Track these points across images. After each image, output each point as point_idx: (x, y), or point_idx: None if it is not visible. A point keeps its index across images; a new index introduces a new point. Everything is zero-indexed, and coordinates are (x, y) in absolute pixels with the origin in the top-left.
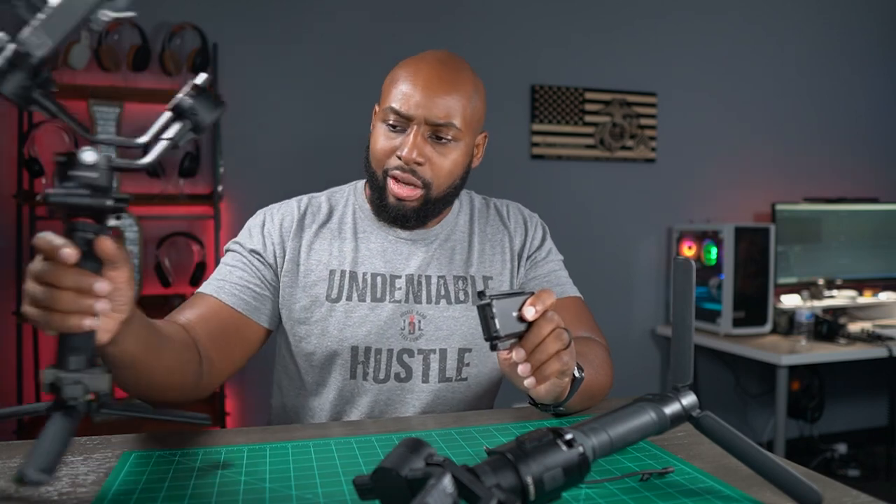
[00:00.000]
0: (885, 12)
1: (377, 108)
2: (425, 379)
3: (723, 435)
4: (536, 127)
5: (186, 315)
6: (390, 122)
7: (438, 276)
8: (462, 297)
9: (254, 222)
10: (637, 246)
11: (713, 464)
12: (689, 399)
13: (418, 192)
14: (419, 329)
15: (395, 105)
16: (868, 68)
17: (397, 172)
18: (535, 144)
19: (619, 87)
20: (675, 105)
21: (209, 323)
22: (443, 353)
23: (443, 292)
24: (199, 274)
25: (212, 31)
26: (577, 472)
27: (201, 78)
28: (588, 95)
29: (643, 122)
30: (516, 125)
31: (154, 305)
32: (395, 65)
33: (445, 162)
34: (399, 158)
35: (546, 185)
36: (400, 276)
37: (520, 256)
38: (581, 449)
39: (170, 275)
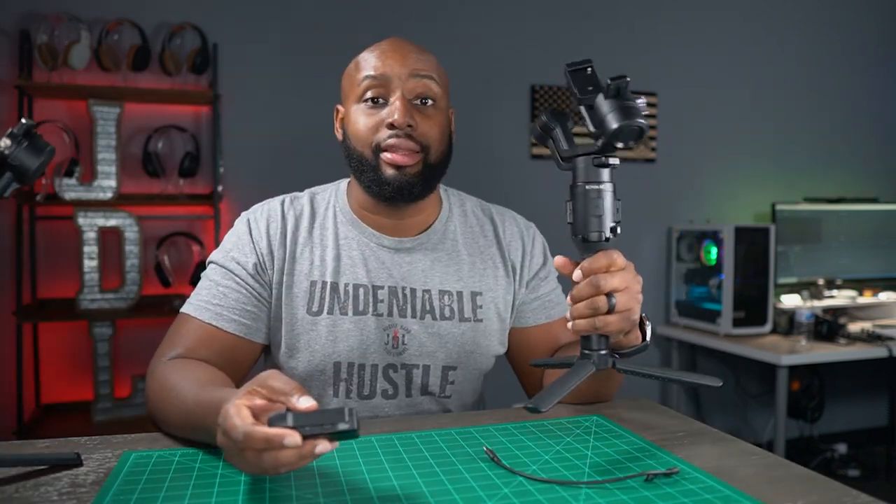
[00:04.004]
0: (885, 12)
1: (341, 107)
2: (408, 393)
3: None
4: None
5: (192, 348)
6: (370, 98)
7: (423, 290)
8: (448, 314)
9: (240, 230)
10: (637, 246)
11: (713, 464)
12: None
13: (417, 157)
14: (403, 343)
15: (371, 72)
16: (868, 68)
17: (392, 141)
18: (536, 144)
19: None
20: (675, 105)
21: (215, 351)
22: (426, 368)
23: (427, 307)
24: (199, 274)
25: (212, 31)
26: None
27: (21, 125)
28: None
29: None
30: (516, 125)
31: (154, 305)
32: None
33: (434, 125)
34: (389, 128)
35: (546, 185)
36: (382, 288)
37: (519, 275)
38: None
39: (170, 275)
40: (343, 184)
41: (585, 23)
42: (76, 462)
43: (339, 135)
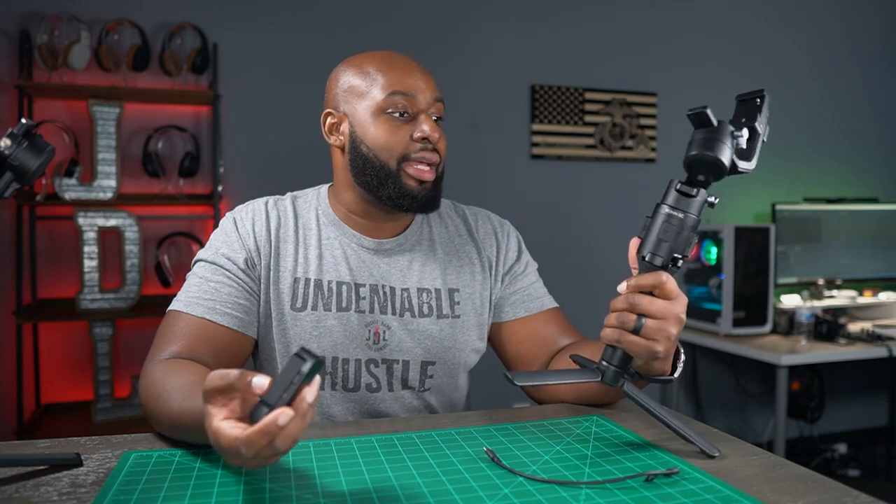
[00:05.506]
0: (886, 12)
1: (335, 112)
2: (390, 388)
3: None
4: (536, 127)
5: (187, 346)
6: (396, 112)
7: (402, 289)
8: (426, 311)
9: (227, 228)
10: None
11: (713, 464)
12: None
13: (433, 171)
14: (384, 339)
15: (401, 89)
16: (868, 68)
17: (423, 154)
18: (535, 144)
19: (619, 87)
20: (675, 105)
21: (210, 346)
22: (405, 364)
23: (406, 305)
24: None
25: (212, 31)
26: None
27: (21, 125)
28: (588, 95)
29: (643, 122)
30: (516, 125)
31: (154, 305)
32: (345, 67)
33: (444, 141)
34: (420, 141)
35: (546, 185)
36: (364, 286)
37: (494, 270)
38: None
39: (170, 275)
40: (324, 189)
41: (585, 23)
42: (76, 462)
43: (336, 141)
